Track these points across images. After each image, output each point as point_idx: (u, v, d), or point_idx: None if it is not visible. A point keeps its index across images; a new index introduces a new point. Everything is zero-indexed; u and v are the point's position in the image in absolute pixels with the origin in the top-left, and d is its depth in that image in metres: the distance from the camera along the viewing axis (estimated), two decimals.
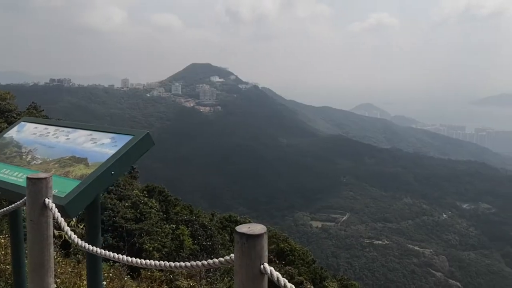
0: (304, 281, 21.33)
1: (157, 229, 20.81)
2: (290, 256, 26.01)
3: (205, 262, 3.68)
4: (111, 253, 4.16)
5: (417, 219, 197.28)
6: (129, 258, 3.96)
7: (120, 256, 4.05)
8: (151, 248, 18.79)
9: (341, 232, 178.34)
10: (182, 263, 3.79)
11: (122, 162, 5.29)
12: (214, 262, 3.59)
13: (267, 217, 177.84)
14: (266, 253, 3.30)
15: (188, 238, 22.45)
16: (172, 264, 3.79)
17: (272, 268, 3.24)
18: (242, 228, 3.24)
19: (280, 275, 3.21)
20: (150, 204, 23.04)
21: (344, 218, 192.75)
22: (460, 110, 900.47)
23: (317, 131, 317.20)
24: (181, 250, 20.84)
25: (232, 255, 3.37)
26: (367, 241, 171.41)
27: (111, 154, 5.32)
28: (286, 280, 3.20)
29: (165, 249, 19.91)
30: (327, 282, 25.85)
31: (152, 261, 3.91)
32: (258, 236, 3.19)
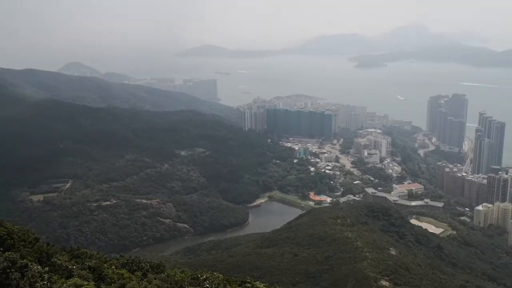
0: (29, 263, 18.97)
1: None
2: (9, 240, 22.97)
3: None
4: None
5: (141, 173, 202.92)
6: None
7: None
8: None
9: (66, 201, 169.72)
10: None
11: None
12: None
13: None
14: None
15: None
16: None
17: None
18: None
19: None
20: None
21: (67, 185, 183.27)
22: (169, 63, 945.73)
23: (23, 97, 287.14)
24: None
25: None
26: (95, 205, 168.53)
27: None
28: None
29: None
30: (56, 258, 23.74)
31: None
32: None
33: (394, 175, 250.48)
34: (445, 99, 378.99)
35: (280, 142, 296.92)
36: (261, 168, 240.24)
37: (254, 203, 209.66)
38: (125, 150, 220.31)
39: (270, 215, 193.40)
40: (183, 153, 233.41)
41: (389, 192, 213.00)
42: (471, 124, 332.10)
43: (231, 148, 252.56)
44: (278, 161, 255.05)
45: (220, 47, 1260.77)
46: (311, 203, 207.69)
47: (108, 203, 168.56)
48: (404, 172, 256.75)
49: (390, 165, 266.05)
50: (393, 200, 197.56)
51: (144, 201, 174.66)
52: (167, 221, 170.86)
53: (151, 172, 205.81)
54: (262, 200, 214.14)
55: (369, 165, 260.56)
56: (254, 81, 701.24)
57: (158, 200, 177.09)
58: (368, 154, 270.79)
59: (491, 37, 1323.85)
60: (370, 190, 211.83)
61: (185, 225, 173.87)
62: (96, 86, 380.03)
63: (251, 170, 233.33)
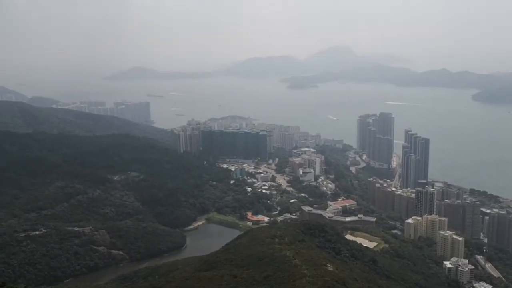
0: None
1: None
2: None
3: None
4: None
5: (72, 199, 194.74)
6: None
7: None
8: None
9: None
10: None
11: None
12: None
13: None
14: None
15: None
16: None
17: None
18: None
19: None
20: None
21: None
22: (98, 86, 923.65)
23: None
24: None
25: None
26: (23, 235, 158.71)
27: None
28: None
29: None
30: None
31: None
32: None
33: (329, 192, 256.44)
34: (373, 117, 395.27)
35: (216, 164, 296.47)
36: (198, 190, 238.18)
37: (192, 226, 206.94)
38: (55, 177, 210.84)
39: (208, 238, 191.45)
40: (116, 178, 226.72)
41: (325, 209, 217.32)
42: (398, 141, 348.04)
43: (166, 171, 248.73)
44: (214, 183, 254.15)
45: (149, 70, 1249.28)
46: (249, 224, 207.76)
47: (37, 232, 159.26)
48: (337, 189, 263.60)
49: (324, 182, 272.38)
50: (329, 217, 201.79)
51: (76, 229, 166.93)
52: (101, 248, 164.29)
53: (83, 198, 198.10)
54: (199, 223, 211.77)
55: (304, 184, 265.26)
56: (187, 103, 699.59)
57: (90, 227, 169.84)
58: (303, 172, 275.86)
59: (413, 59, 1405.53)
60: (306, 208, 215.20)
61: (120, 252, 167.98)
62: (21, 111, 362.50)
63: (187, 193, 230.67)
